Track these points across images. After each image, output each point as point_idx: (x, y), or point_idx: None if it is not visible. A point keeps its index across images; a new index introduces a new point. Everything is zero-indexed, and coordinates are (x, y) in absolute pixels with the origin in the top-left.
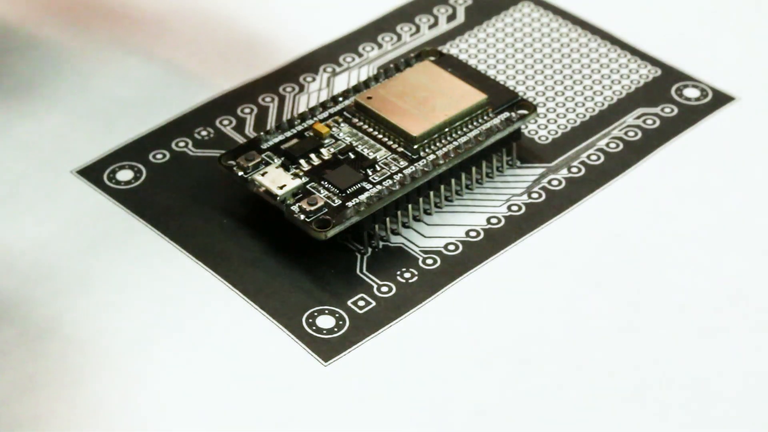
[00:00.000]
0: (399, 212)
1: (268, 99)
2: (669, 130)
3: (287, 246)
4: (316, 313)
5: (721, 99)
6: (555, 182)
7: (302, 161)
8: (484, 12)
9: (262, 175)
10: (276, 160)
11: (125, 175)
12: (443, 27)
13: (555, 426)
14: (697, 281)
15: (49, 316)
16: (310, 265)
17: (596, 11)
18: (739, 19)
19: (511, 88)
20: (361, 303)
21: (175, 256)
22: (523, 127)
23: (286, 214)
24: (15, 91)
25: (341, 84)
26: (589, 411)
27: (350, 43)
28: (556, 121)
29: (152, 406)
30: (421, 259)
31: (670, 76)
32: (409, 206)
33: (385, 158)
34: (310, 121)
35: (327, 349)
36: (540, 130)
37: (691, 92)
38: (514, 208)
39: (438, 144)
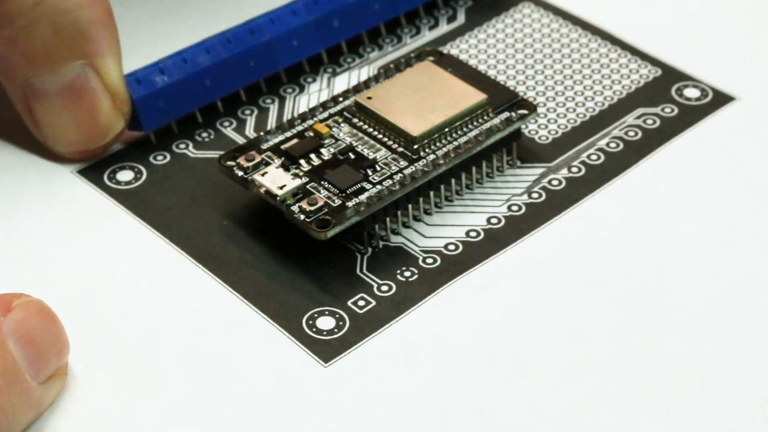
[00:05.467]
0: (399, 212)
1: (268, 101)
2: (669, 130)
3: (287, 247)
4: (316, 315)
5: (721, 99)
6: (555, 182)
7: (302, 161)
8: (485, 13)
9: (262, 175)
10: (276, 160)
11: (125, 175)
12: (444, 28)
13: (555, 426)
14: (697, 281)
15: None
16: (310, 265)
17: (596, 11)
18: (739, 19)
19: (511, 88)
20: (361, 303)
21: (175, 257)
22: (523, 127)
23: (286, 214)
24: None
25: (341, 84)
26: (589, 411)
27: (350, 43)
28: (556, 121)
29: (152, 408)
30: (421, 258)
31: (670, 76)
32: (409, 206)
33: (385, 158)
34: (310, 121)
35: (327, 350)
36: (540, 130)
37: (691, 92)
38: (514, 208)
39: (438, 144)
